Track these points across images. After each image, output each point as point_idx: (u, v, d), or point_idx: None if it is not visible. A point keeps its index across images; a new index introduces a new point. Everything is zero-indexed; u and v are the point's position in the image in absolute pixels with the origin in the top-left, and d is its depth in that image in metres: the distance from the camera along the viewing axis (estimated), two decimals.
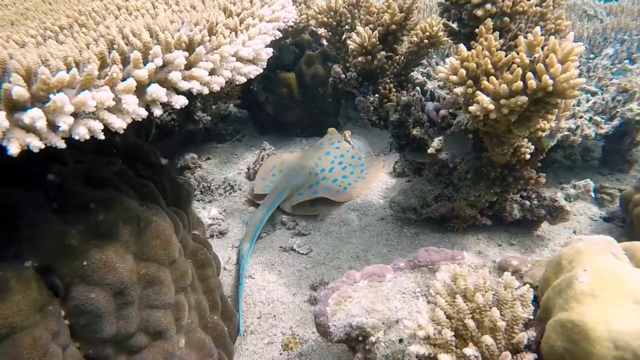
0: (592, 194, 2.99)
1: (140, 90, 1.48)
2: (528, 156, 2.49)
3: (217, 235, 3.77)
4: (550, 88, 1.80)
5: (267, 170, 4.42)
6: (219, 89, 1.65)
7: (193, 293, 2.21)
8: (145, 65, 1.47)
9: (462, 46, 2.12)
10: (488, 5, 2.23)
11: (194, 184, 4.58)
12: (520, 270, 1.96)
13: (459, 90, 2.08)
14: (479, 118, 2.05)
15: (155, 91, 1.44)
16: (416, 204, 3.30)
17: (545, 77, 1.79)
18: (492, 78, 1.98)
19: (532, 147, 2.49)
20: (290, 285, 3.09)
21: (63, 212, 1.72)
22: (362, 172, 4.31)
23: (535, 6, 2.36)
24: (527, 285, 1.65)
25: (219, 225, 3.93)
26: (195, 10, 2.02)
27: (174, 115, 4.84)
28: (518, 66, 1.92)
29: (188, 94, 1.62)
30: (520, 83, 1.87)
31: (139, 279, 1.81)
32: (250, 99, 5.43)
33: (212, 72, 1.66)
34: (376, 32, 2.76)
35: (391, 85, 3.18)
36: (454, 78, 2.08)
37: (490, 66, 2.02)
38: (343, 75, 3.23)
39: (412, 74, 3.45)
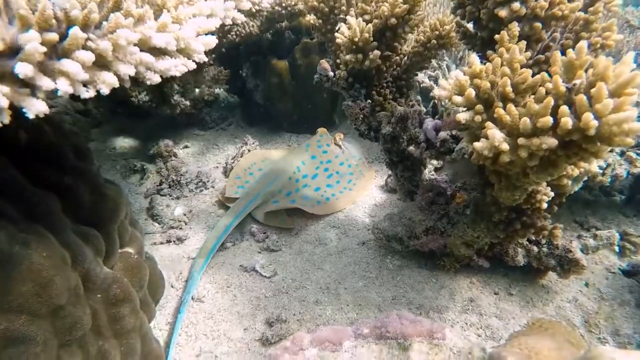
0: (617, 248, 2.45)
1: None
2: (545, 205, 1.96)
3: (174, 242, 3.29)
4: (593, 131, 1.26)
5: (245, 168, 3.92)
6: (107, 91, 1.13)
7: (96, 340, 1.73)
8: None
9: (474, 57, 1.57)
10: (516, 5, 1.67)
11: (165, 174, 4.09)
12: None
13: (464, 116, 1.54)
14: (487, 156, 1.51)
15: None
16: (403, 233, 2.79)
17: (587, 116, 1.25)
18: (511, 106, 1.44)
19: (552, 193, 1.95)
20: (244, 316, 2.61)
21: None
22: (349, 182, 3.78)
23: (580, 10, 1.79)
24: None
25: (180, 228, 3.45)
26: None
27: (151, 95, 4.33)
28: (548, 93, 1.38)
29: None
30: (549, 119, 1.33)
31: None
32: (240, 84, 4.90)
33: (101, 66, 1.14)
34: (370, 25, 2.19)
35: (387, 91, 2.62)
36: (458, 99, 1.54)
37: (509, 89, 1.47)
38: (331, 73, 2.68)
39: (416, 77, 2.89)
